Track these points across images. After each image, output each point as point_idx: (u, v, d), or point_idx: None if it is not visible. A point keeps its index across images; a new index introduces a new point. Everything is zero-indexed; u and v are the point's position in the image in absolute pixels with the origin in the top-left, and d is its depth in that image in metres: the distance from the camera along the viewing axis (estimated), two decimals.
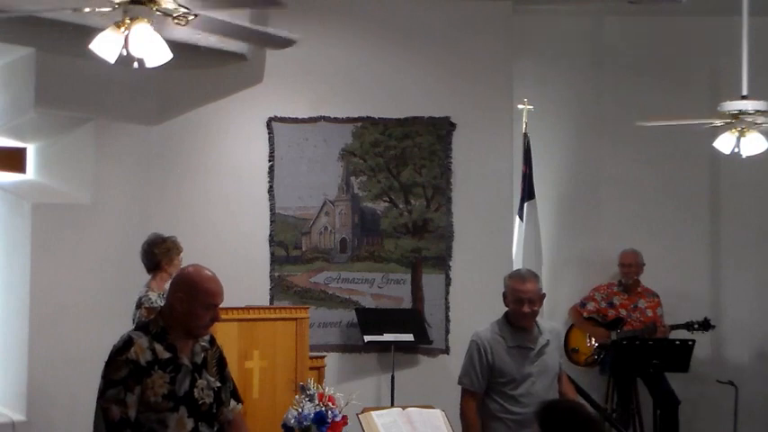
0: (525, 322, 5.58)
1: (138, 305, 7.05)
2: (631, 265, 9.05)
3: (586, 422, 3.78)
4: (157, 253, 7.18)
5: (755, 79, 7.34)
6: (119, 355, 4.26)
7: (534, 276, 5.65)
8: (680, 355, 8.25)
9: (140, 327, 4.43)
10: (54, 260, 8.09)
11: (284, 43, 7.27)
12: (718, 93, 8.27)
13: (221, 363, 4.57)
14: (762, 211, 9.40)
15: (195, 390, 4.36)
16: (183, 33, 6.90)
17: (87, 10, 5.67)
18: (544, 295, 5.71)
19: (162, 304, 7.02)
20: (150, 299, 7.06)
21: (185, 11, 5.65)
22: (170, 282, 4.57)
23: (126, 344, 4.28)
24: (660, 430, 8.49)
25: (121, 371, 4.23)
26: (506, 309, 5.63)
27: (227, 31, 6.51)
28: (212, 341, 4.57)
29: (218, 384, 4.47)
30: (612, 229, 9.36)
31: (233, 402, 4.62)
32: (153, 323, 4.39)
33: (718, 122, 7.32)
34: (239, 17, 6.94)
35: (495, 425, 5.56)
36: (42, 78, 7.86)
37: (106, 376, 4.26)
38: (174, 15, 5.66)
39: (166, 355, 4.30)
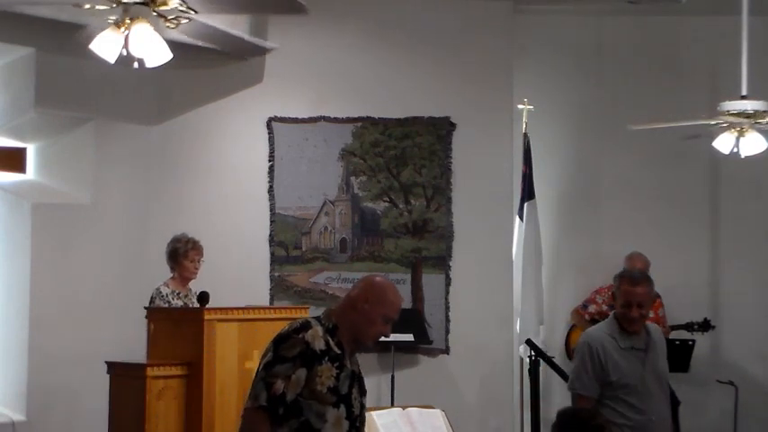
0: (633, 326, 5.34)
1: (151, 300, 7.08)
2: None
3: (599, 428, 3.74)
4: (166, 252, 7.22)
5: (755, 79, 7.33)
6: (295, 334, 4.17)
7: (647, 279, 5.42)
8: (680, 355, 8.25)
9: (317, 317, 4.33)
10: (54, 260, 8.10)
11: (296, 7, 6.85)
12: (718, 93, 8.26)
13: (362, 381, 4.42)
14: (762, 211, 9.39)
15: (352, 394, 4.27)
16: (183, 33, 6.91)
17: (87, 6, 5.67)
18: (657, 298, 5.52)
19: (176, 302, 7.11)
20: (161, 292, 7.13)
21: (185, 11, 5.65)
22: (356, 286, 4.51)
23: (304, 326, 4.21)
24: None
25: (295, 348, 4.12)
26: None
27: (217, 40, 6.48)
28: (356, 359, 4.43)
29: (364, 401, 4.38)
30: (612, 229, 9.35)
31: None
32: (326, 317, 4.31)
33: (714, 122, 7.33)
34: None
35: None
36: (42, 78, 7.87)
37: (278, 351, 4.14)
38: (169, 18, 5.66)
39: (337, 350, 4.22)
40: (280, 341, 4.18)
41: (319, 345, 4.17)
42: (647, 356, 5.38)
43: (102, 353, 6.67)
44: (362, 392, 4.35)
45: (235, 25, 7.76)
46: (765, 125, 7.32)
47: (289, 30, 8.51)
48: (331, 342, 4.22)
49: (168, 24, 5.73)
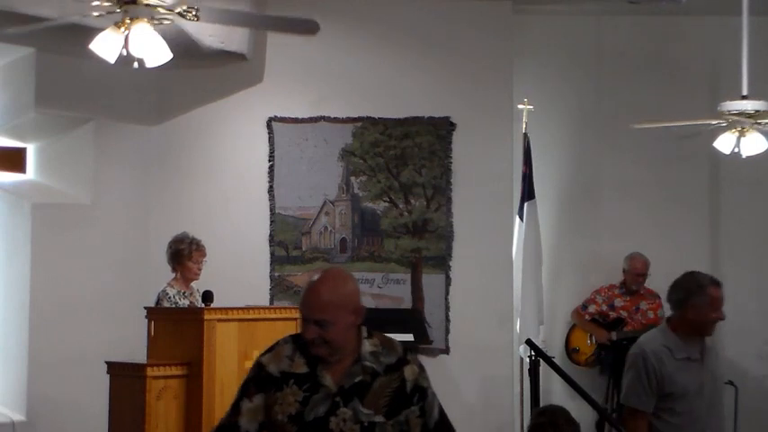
0: (712, 331, 5.14)
1: (157, 301, 7.08)
2: (645, 275, 8.96)
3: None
4: (168, 253, 7.23)
5: (755, 79, 7.34)
6: (259, 357, 3.73)
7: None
8: None
9: (299, 333, 3.74)
10: (54, 260, 8.10)
11: (307, 28, 6.83)
12: (718, 93, 8.27)
13: (403, 398, 3.69)
14: (762, 211, 9.39)
15: (333, 419, 3.59)
16: (183, 33, 6.91)
17: (93, 3, 5.66)
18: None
19: (182, 302, 7.11)
20: (167, 293, 7.13)
21: (189, 8, 5.65)
22: None
23: (273, 345, 3.74)
24: None
25: (250, 373, 3.72)
26: (669, 314, 5.19)
27: (242, 22, 6.47)
28: (394, 367, 3.71)
29: (378, 419, 3.62)
30: (612, 229, 9.35)
31: None
32: None
33: (715, 123, 7.33)
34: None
35: None
36: (42, 78, 7.87)
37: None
38: (179, 12, 5.66)
39: (303, 369, 3.64)
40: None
41: (279, 367, 3.65)
42: (703, 366, 5.14)
43: (102, 353, 6.68)
44: (397, 406, 3.66)
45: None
46: (766, 125, 7.32)
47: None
48: (299, 360, 3.65)
49: (154, 21, 5.71)
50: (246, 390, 3.68)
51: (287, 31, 7.53)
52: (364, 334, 3.73)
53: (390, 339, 3.82)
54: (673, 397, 5.04)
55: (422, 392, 3.71)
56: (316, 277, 3.69)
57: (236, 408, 3.68)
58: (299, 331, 3.74)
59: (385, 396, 3.65)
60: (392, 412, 3.64)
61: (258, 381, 3.66)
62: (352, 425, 3.60)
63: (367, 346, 3.70)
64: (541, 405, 7.14)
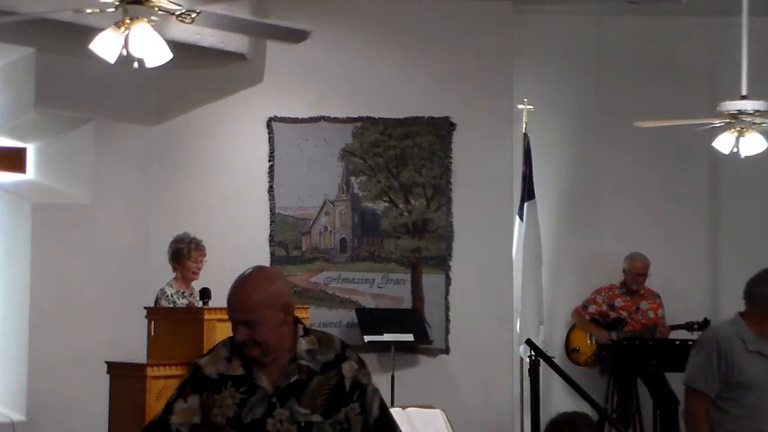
0: None
1: (156, 300, 7.08)
2: (645, 275, 8.97)
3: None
4: (168, 253, 7.24)
5: (755, 79, 7.34)
6: (199, 358, 3.68)
7: None
8: (680, 355, 8.22)
9: None
10: (54, 260, 8.10)
11: (297, 37, 6.89)
12: (718, 93, 8.26)
13: (342, 396, 3.59)
14: (762, 211, 9.39)
15: (269, 420, 3.52)
16: (184, 33, 6.92)
17: (89, 11, 5.67)
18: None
19: (181, 301, 7.11)
20: (165, 292, 7.14)
21: (188, 9, 5.65)
22: None
23: (211, 349, 3.70)
24: (660, 430, 8.48)
25: (186, 374, 3.67)
26: (741, 310, 5.14)
27: (234, 27, 6.48)
28: (332, 364, 3.60)
29: (315, 419, 3.54)
30: (612, 229, 9.36)
31: None
32: None
33: (717, 122, 7.33)
34: (242, 14, 6.94)
35: None
36: (42, 78, 7.87)
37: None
38: (177, 14, 5.66)
39: (239, 371, 3.57)
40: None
41: (217, 368, 3.58)
42: None
43: (102, 353, 6.68)
44: (332, 403, 3.56)
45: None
46: (765, 125, 7.32)
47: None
48: (235, 362, 3.57)
49: (182, 19, 5.71)
50: (182, 390, 3.61)
51: (279, 39, 7.52)
52: (300, 332, 3.62)
53: (328, 336, 3.70)
54: (739, 387, 4.99)
55: (362, 389, 3.61)
56: (241, 277, 3.62)
57: (168, 407, 3.61)
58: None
59: (323, 395, 3.56)
60: (330, 411, 3.56)
61: (195, 382, 3.60)
62: (289, 425, 3.52)
63: (303, 344, 3.59)
64: (541, 405, 7.14)
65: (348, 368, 3.61)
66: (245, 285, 3.59)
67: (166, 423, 3.60)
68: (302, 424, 3.53)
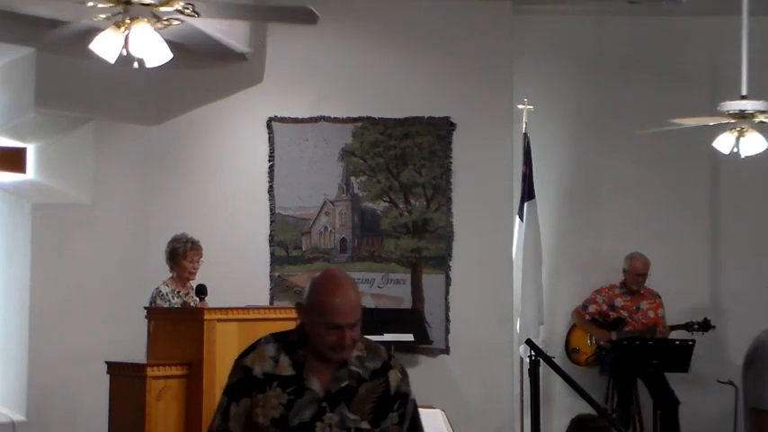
0: None
1: (152, 299, 7.09)
2: (645, 275, 8.96)
3: None
4: (165, 252, 7.24)
5: (755, 79, 7.34)
6: (240, 358, 3.60)
7: None
8: (680, 355, 8.25)
9: (282, 332, 3.66)
10: (54, 260, 8.10)
11: (306, 17, 6.77)
12: (718, 93, 8.27)
13: (387, 404, 3.57)
14: (762, 211, 9.39)
15: (319, 424, 3.48)
16: (184, 33, 6.91)
17: (91, 3, 5.66)
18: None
19: (175, 300, 7.11)
20: (161, 291, 7.14)
21: (187, 3, 5.64)
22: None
23: (252, 346, 3.63)
24: (660, 430, 8.48)
25: (234, 376, 3.58)
26: None
27: (242, 14, 6.46)
28: (380, 372, 3.60)
29: (364, 426, 3.52)
30: (612, 229, 9.36)
31: None
32: (294, 330, 3.62)
33: (712, 122, 7.33)
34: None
35: None
36: (42, 78, 7.87)
37: (228, 378, 3.63)
38: (181, 7, 5.66)
39: (289, 371, 3.52)
40: (232, 366, 3.64)
41: (263, 368, 3.53)
42: None
43: (102, 353, 6.68)
44: (381, 412, 3.55)
45: (234, 24, 7.75)
46: (765, 125, 7.32)
47: (289, 30, 8.50)
48: (284, 362, 3.53)
49: (159, 25, 5.71)
50: (233, 394, 3.56)
51: (286, 22, 7.46)
52: None
53: (374, 344, 3.73)
54: None
55: (403, 398, 3.61)
56: (334, 282, 3.59)
57: (225, 413, 3.58)
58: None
59: (371, 402, 3.55)
60: (377, 419, 3.55)
61: (244, 384, 3.55)
62: (339, 430, 3.49)
63: (353, 350, 3.60)
64: (541, 405, 7.15)
65: (394, 377, 3.62)
66: (346, 290, 3.60)
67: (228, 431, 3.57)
68: (352, 430, 3.51)
